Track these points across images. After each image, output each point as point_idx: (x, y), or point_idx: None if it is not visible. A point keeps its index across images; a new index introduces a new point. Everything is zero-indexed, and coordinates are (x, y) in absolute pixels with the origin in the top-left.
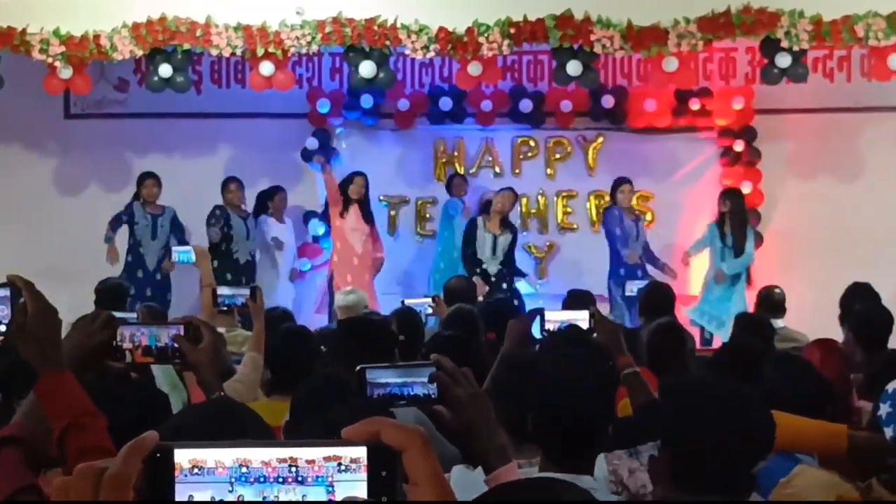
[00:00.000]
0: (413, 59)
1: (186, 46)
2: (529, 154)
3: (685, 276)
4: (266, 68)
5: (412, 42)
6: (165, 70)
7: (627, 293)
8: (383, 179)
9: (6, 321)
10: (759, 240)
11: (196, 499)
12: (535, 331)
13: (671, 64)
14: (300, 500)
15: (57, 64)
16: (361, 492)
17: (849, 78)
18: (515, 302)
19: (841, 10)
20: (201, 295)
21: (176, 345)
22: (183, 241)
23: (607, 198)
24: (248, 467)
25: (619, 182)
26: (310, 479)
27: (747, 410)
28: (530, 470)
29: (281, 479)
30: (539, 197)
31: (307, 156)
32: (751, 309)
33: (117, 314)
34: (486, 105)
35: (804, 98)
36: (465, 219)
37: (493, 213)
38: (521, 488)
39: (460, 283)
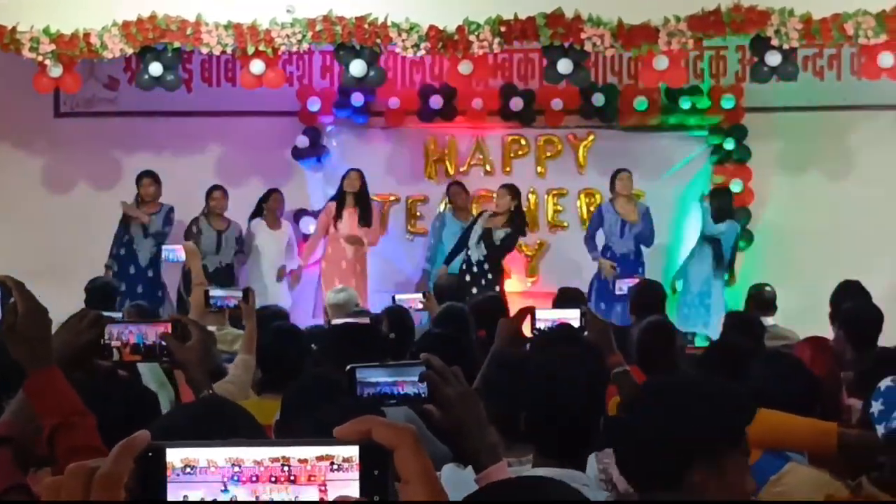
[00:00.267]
0: (404, 58)
1: (177, 45)
2: (520, 152)
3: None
4: (256, 66)
5: (403, 40)
6: (156, 68)
7: (617, 291)
8: (374, 178)
9: None
10: (748, 238)
11: (189, 499)
12: (526, 329)
13: (661, 62)
14: (293, 499)
15: (47, 62)
16: (354, 491)
17: (839, 76)
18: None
19: (831, 8)
20: (192, 293)
21: (164, 343)
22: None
23: (598, 196)
24: (240, 467)
25: (618, 171)
26: (302, 479)
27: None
28: (521, 468)
29: (273, 479)
30: (529, 195)
31: (298, 154)
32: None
33: (106, 313)
34: (477, 103)
35: (794, 96)
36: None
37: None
38: (512, 487)
39: (451, 281)
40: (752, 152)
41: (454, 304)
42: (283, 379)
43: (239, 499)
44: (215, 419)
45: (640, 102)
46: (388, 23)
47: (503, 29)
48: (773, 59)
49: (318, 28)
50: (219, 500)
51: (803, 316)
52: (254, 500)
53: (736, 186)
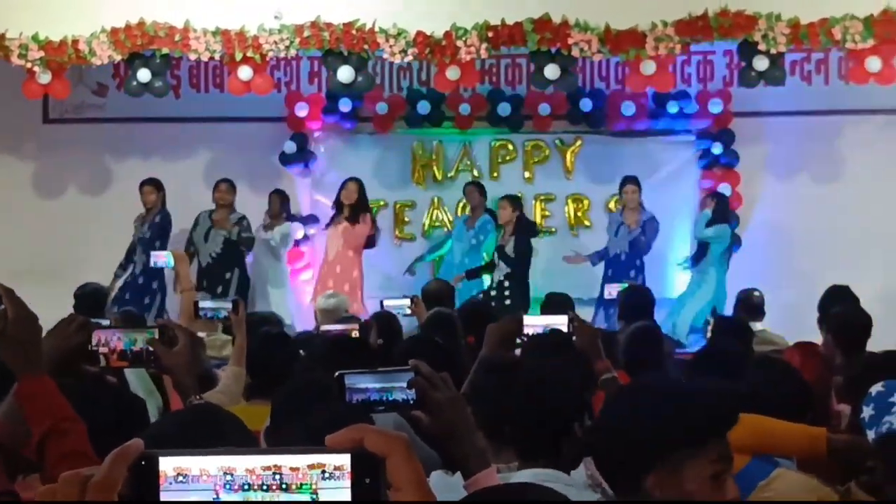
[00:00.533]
0: (391, 63)
1: (165, 51)
2: (507, 157)
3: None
4: (244, 72)
5: (390, 46)
6: (144, 74)
7: (606, 296)
8: None
9: None
10: (737, 242)
11: None
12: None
13: (649, 67)
14: None
15: (36, 69)
16: (345, 499)
17: (826, 81)
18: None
19: (818, 13)
20: (182, 299)
21: (151, 348)
22: (164, 244)
23: (586, 201)
24: (232, 475)
25: (623, 181)
26: (294, 487)
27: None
28: (509, 474)
29: (265, 487)
30: None
31: (285, 159)
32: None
33: (94, 319)
34: (465, 108)
35: (782, 101)
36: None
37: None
38: (500, 493)
39: (439, 287)
40: (741, 157)
41: (442, 310)
42: (272, 384)
43: None
44: (205, 426)
45: (628, 107)
46: (376, 28)
47: (490, 34)
48: (761, 63)
49: (305, 34)
50: None
51: (792, 320)
52: None
53: (724, 191)
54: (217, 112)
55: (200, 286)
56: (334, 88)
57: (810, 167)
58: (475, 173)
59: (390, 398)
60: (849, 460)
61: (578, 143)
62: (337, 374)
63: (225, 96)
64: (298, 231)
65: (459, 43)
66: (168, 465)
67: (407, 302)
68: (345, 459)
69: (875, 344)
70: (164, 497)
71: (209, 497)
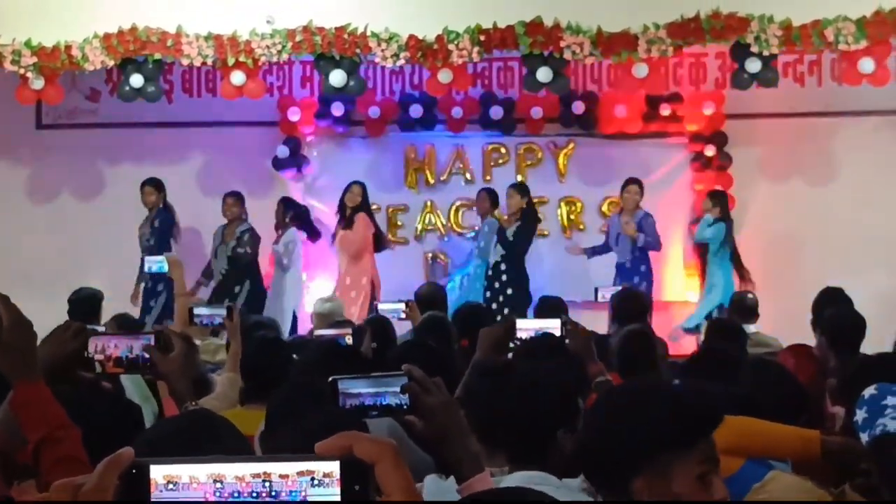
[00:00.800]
0: (383, 67)
1: (157, 56)
2: (500, 161)
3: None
4: (237, 77)
5: (382, 50)
6: (137, 80)
7: (600, 299)
8: None
9: None
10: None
11: None
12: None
13: (641, 70)
14: None
15: (29, 75)
16: None
17: (819, 82)
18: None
19: (811, 14)
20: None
21: (146, 355)
22: (165, 245)
23: (578, 204)
24: (222, 482)
25: (626, 182)
26: (283, 494)
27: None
28: (502, 478)
29: (255, 494)
30: None
31: (278, 164)
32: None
33: (89, 326)
34: (457, 112)
35: (775, 103)
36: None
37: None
38: (494, 497)
39: (432, 290)
40: (734, 159)
41: (435, 314)
42: (267, 389)
43: None
44: (200, 432)
45: (620, 110)
46: (368, 33)
47: (482, 38)
48: (754, 65)
49: (297, 38)
50: None
51: (786, 322)
52: None
53: None
54: (210, 117)
55: (210, 300)
56: (327, 92)
57: (803, 169)
58: (468, 176)
59: (384, 403)
60: (843, 463)
61: (571, 145)
62: (330, 379)
63: (217, 101)
64: (301, 236)
65: (451, 46)
66: (158, 472)
67: (402, 306)
68: (334, 466)
69: (869, 345)
70: None
71: None
